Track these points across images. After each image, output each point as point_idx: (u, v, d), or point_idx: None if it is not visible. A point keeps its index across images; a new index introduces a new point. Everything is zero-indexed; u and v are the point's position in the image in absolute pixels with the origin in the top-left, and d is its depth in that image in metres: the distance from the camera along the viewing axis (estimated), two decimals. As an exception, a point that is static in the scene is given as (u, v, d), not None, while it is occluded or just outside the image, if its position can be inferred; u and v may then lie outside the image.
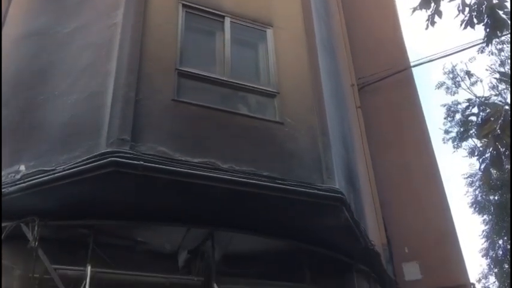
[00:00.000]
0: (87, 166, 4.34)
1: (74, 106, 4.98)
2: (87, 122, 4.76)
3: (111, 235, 5.15)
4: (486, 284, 20.90)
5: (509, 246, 17.86)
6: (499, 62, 17.73)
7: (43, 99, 5.22)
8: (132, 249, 5.36)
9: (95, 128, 4.64)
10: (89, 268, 4.61)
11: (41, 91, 5.30)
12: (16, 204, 4.52)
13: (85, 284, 4.51)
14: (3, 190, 4.44)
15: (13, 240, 4.61)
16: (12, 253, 4.71)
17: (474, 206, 19.87)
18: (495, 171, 16.71)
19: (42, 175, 4.43)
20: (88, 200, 4.64)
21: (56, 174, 4.39)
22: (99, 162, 4.31)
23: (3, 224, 4.53)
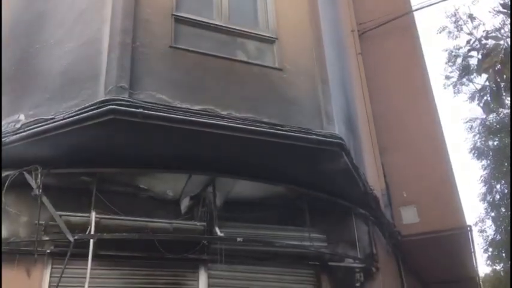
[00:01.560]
0: (86, 114, 4.33)
1: (70, 54, 4.92)
2: (84, 70, 4.72)
3: (114, 182, 5.22)
4: (483, 228, 21.45)
5: (506, 191, 18.13)
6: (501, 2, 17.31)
7: (39, 48, 5.15)
8: (135, 196, 5.46)
9: (93, 75, 4.60)
10: (93, 214, 4.71)
11: (36, 40, 5.22)
12: (18, 153, 4.56)
13: (90, 230, 4.61)
14: (3, 139, 4.46)
15: (17, 188, 4.69)
16: (17, 201, 4.81)
17: (473, 151, 20.03)
18: (493, 116, 16.72)
19: (42, 124, 4.43)
20: (89, 148, 4.67)
21: (55, 123, 4.39)
22: (98, 111, 4.30)
23: (6, 173, 4.59)
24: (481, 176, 19.94)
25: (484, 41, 8.73)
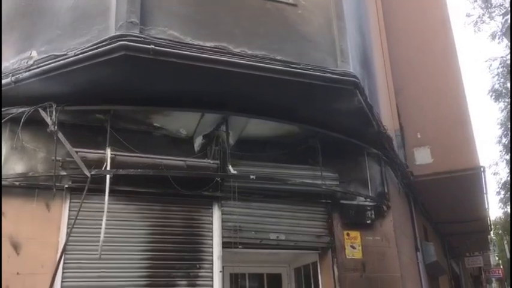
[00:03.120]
0: (97, 51, 4.27)
1: (80, -12, 4.80)
2: (94, 5, 4.61)
3: (128, 120, 5.26)
4: (496, 170, 21.46)
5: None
6: None
7: (48, -17, 5.04)
8: (149, 134, 5.51)
9: (103, 10, 4.50)
10: (108, 151, 4.77)
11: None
12: (32, 90, 4.58)
13: (106, 166, 4.70)
14: (17, 75, 4.46)
15: (34, 126, 4.77)
16: (34, 137, 4.89)
17: (491, 93, 19.68)
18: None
19: (54, 60, 4.41)
20: (102, 85, 4.66)
21: (67, 60, 4.35)
22: (109, 47, 4.24)
23: (21, 109, 4.63)
24: (498, 119, 19.71)
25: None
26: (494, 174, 21.66)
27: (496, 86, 19.60)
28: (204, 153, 5.65)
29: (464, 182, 8.56)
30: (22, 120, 4.59)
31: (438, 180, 8.29)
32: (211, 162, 5.45)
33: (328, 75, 5.04)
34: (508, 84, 18.84)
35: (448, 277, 13.07)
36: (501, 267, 40.64)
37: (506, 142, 19.35)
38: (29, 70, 4.46)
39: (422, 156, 8.27)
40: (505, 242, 33.39)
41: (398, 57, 9.03)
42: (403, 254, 6.79)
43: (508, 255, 31.36)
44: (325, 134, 5.86)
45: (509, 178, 19.83)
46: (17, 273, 4.41)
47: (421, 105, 8.83)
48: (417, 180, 8.31)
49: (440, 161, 8.14)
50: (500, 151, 20.33)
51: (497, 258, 38.88)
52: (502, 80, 19.09)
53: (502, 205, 24.37)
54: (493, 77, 19.70)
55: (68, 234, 4.53)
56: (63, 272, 4.58)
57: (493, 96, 19.68)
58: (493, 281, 54.02)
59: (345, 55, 5.34)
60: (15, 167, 4.77)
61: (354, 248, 6.11)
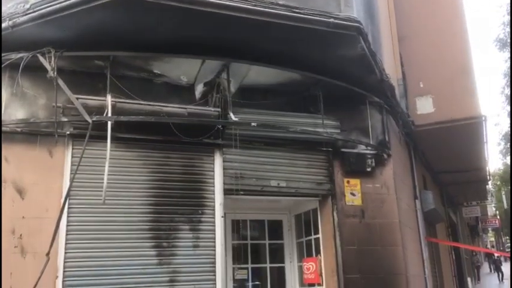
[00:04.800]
0: (94, -6, 4.17)
1: None
2: None
3: (128, 67, 5.20)
4: (498, 121, 21.45)
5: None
6: None
7: None
8: (149, 81, 5.47)
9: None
10: (109, 97, 4.75)
11: None
12: (30, 35, 4.49)
13: (107, 113, 4.69)
14: (14, 20, 4.37)
15: (33, 72, 4.72)
16: (34, 84, 4.86)
17: (496, 43, 19.38)
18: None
19: (50, 4, 4.29)
20: (101, 31, 4.57)
21: (63, 3, 4.24)
22: (107, -11, 4.12)
23: (20, 55, 4.57)
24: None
25: None
26: (495, 125, 21.67)
27: (501, 36, 19.26)
28: (205, 101, 5.63)
29: (465, 132, 8.57)
30: (21, 66, 4.54)
31: (439, 129, 8.30)
32: (213, 109, 5.44)
33: (332, 20, 4.93)
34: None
35: (445, 225, 13.36)
36: (498, 217, 41.50)
37: (509, 92, 19.23)
38: (26, 14, 4.37)
39: (424, 106, 8.24)
40: (503, 192, 33.86)
41: (402, 4, 8.83)
42: (402, 201, 6.90)
43: (506, 206, 31.88)
44: (327, 81, 5.81)
45: (509, 129, 19.84)
46: (23, 217, 4.51)
47: (425, 54, 8.70)
48: (418, 129, 8.32)
49: (442, 110, 8.12)
50: (503, 102, 20.26)
51: (494, 209, 39.61)
52: (508, 29, 18.75)
53: (502, 156, 24.52)
54: (499, 26, 19.35)
55: (71, 180, 4.58)
56: (68, 216, 4.68)
57: (498, 46, 19.38)
58: (489, 231, 55.34)
59: (348, 0, 5.21)
60: (16, 113, 4.76)
61: (353, 195, 6.20)
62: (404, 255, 6.25)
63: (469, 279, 18.00)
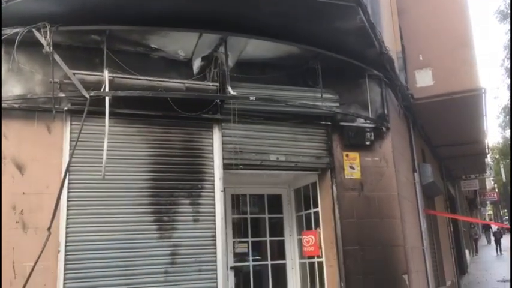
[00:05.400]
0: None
1: None
2: None
3: (125, 42, 5.15)
4: (497, 94, 21.41)
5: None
6: None
7: None
8: (146, 56, 5.42)
9: None
10: (106, 72, 4.71)
11: None
12: (25, 10, 4.42)
13: (104, 88, 4.66)
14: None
15: (29, 47, 4.67)
16: (30, 59, 4.81)
17: (497, 15, 19.17)
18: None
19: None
20: (97, 5, 4.51)
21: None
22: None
23: (15, 30, 4.52)
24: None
25: None
26: (495, 98, 21.63)
27: (502, 7, 19.05)
28: (203, 76, 5.59)
29: (465, 104, 8.55)
30: (17, 41, 4.49)
31: (439, 102, 8.28)
32: (211, 84, 5.41)
33: (330, -10, 4.86)
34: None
35: (444, 198, 13.45)
36: (496, 190, 41.80)
37: (509, 65, 19.11)
38: (19, -12, 4.30)
39: (423, 79, 8.20)
40: (502, 166, 34.02)
41: (402, -24, 8.71)
42: (401, 174, 6.93)
43: (504, 179, 32.07)
44: (326, 55, 5.76)
45: (509, 102, 19.81)
46: (23, 192, 4.53)
47: (425, 26, 8.62)
48: (417, 102, 8.30)
49: (441, 83, 8.08)
50: (502, 75, 20.16)
51: (492, 182, 39.84)
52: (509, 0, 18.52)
53: (501, 130, 24.54)
54: (500, -3, 19.11)
55: (71, 156, 4.58)
56: (68, 192, 4.70)
57: (499, 18, 19.18)
58: (487, 204, 55.80)
59: (346, -30, 5.12)
60: (13, 89, 4.73)
61: (352, 168, 6.22)
62: (402, 227, 6.31)
63: (467, 251, 18.23)
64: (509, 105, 19.92)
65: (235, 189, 6.47)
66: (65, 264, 4.56)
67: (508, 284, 15.12)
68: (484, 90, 8.19)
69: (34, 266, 4.12)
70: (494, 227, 33.03)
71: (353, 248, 5.94)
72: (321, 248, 6.14)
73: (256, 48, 5.57)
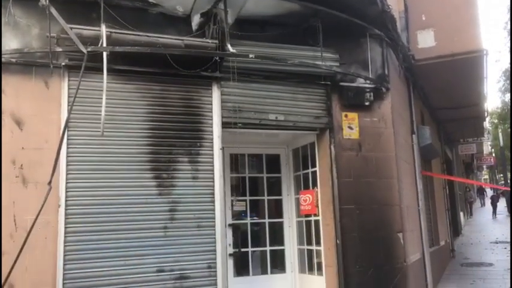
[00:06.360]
0: None
1: None
2: None
3: (122, -4, 5.05)
4: (498, 58, 21.21)
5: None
6: None
7: None
8: (144, 11, 5.32)
9: None
10: (103, 27, 4.64)
11: None
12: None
13: (102, 43, 4.60)
14: None
15: (26, 1, 4.57)
16: (27, 13, 4.73)
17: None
18: None
19: None
20: (93, -44, 4.41)
21: None
22: None
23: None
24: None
25: None
26: (496, 61, 21.45)
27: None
28: (202, 33, 5.50)
29: (466, 66, 8.47)
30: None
31: (440, 63, 8.20)
32: (210, 41, 5.34)
33: None
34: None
35: (441, 161, 13.53)
36: (493, 155, 42.02)
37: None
38: None
39: (425, 39, 8.09)
40: (500, 130, 34.08)
41: None
42: (399, 135, 6.95)
43: (502, 144, 32.20)
44: (327, 12, 5.66)
45: (510, 65, 19.65)
46: (22, 147, 4.54)
47: (428, -15, 8.45)
48: (418, 63, 8.22)
49: (443, 44, 7.98)
50: (505, 37, 19.92)
51: (490, 147, 40.00)
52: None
53: (501, 94, 24.44)
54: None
55: (69, 111, 4.58)
56: (67, 147, 4.72)
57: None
58: (484, 169, 56.21)
59: None
60: (10, 43, 4.67)
61: (351, 128, 6.23)
62: (399, 187, 6.38)
63: (461, 214, 18.49)
64: (509, 69, 19.75)
65: (234, 148, 6.49)
66: (66, 219, 4.63)
67: (501, 245, 15.45)
68: (486, 51, 8.09)
69: (35, 220, 4.17)
70: (490, 191, 33.43)
71: (349, 206, 6.02)
72: (318, 206, 6.23)
73: (257, 4, 5.47)
